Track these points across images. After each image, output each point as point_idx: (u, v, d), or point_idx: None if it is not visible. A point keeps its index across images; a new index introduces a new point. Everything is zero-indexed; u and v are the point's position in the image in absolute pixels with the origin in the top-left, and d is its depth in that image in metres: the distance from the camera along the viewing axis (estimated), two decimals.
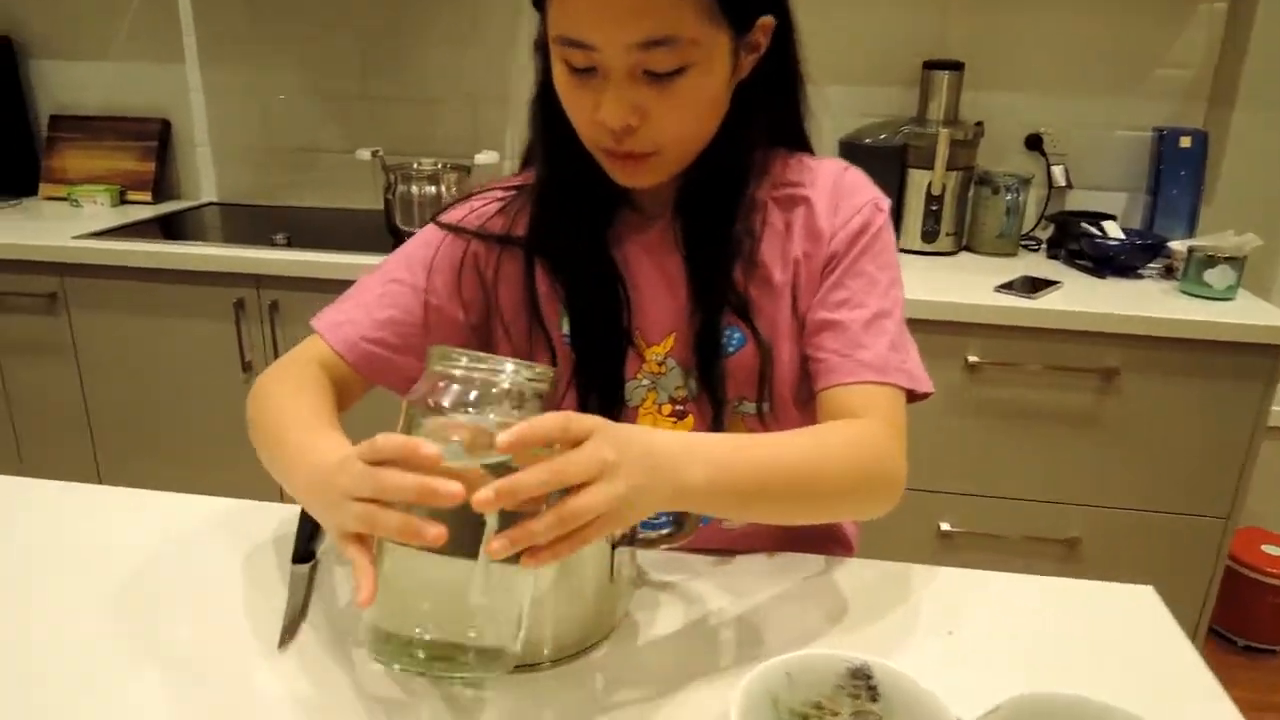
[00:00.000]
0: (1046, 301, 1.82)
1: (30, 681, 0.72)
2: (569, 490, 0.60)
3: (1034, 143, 2.26)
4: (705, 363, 0.91)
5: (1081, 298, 1.86)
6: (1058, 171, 2.24)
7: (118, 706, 0.70)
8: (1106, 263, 2.02)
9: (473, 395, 0.63)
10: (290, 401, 0.85)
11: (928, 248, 2.16)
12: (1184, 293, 1.90)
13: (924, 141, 2.11)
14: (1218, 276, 1.85)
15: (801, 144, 0.95)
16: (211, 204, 2.64)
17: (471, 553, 0.60)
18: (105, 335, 2.17)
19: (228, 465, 2.06)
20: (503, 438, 0.59)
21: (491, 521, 0.60)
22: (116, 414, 2.24)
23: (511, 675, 0.72)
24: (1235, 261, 1.84)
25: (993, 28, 2.21)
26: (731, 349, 0.92)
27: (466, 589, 0.61)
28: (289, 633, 0.77)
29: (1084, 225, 2.08)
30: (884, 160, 2.11)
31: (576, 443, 0.61)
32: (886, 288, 0.90)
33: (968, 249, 2.23)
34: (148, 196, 2.57)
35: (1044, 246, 2.22)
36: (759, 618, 0.81)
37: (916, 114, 2.20)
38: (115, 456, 2.28)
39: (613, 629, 0.79)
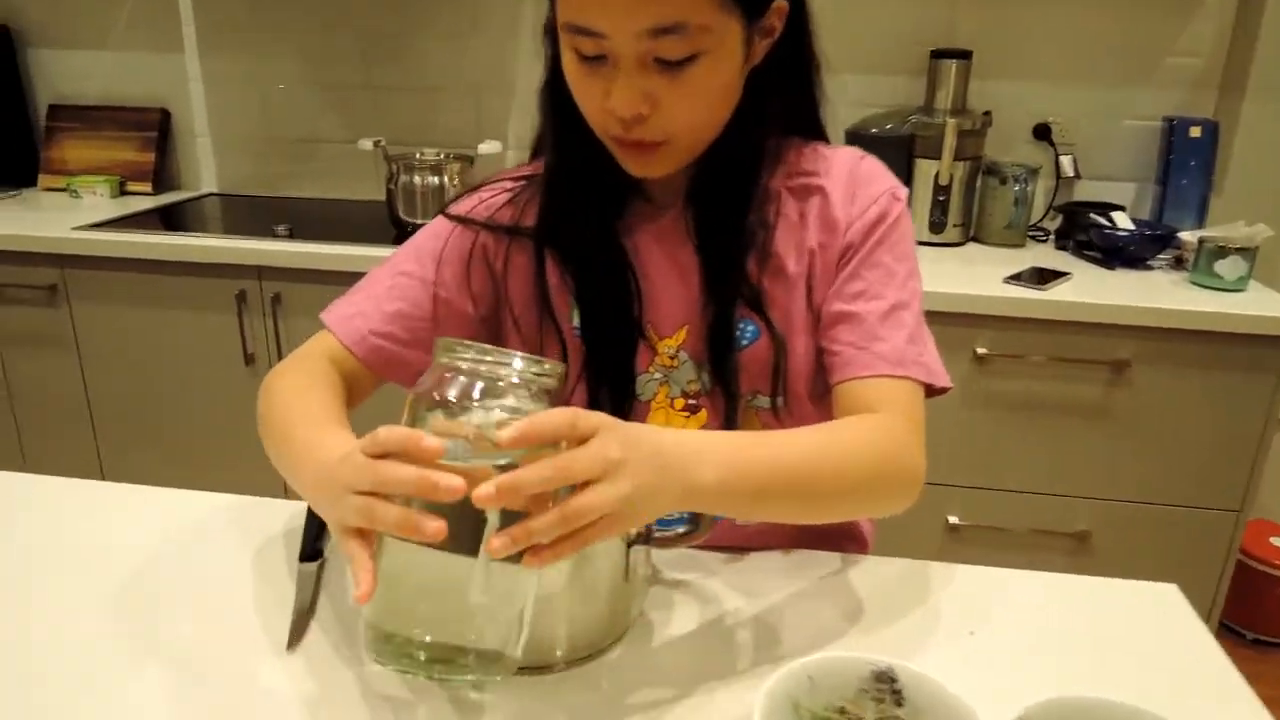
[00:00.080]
0: (1056, 293, 1.80)
1: (30, 681, 0.71)
2: (576, 490, 0.58)
3: (1042, 132, 2.23)
4: (718, 356, 0.89)
5: (1091, 289, 1.84)
6: (1066, 162, 2.22)
7: (118, 707, 0.68)
8: (1116, 254, 2.00)
9: (478, 389, 0.61)
10: (298, 398, 0.84)
11: (935, 238, 2.14)
12: (1194, 284, 1.88)
13: (931, 131, 2.09)
14: (1229, 267, 1.83)
15: (816, 132, 0.93)
16: (212, 195, 2.62)
17: (472, 551, 0.59)
18: (106, 327, 2.15)
19: (231, 458, 2.05)
20: (506, 433, 0.57)
21: (493, 519, 0.58)
22: (118, 407, 2.23)
23: (523, 676, 0.71)
24: (1246, 252, 1.82)
25: (1001, 16, 2.19)
26: (745, 342, 0.90)
27: (466, 589, 0.60)
28: (297, 633, 0.76)
29: (1093, 216, 2.06)
30: (891, 150, 2.08)
31: (583, 440, 0.59)
32: (904, 279, 0.88)
33: (975, 240, 2.21)
34: (148, 187, 2.55)
35: (1052, 237, 2.20)
36: (776, 618, 0.80)
37: (924, 103, 2.18)
38: (117, 449, 2.27)
39: (627, 629, 0.77)
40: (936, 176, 2.09)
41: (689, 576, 0.85)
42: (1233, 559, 1.89)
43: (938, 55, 2.14)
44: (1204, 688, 0.74)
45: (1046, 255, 2.10)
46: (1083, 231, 2.07)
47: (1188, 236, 1.97)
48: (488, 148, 2.23)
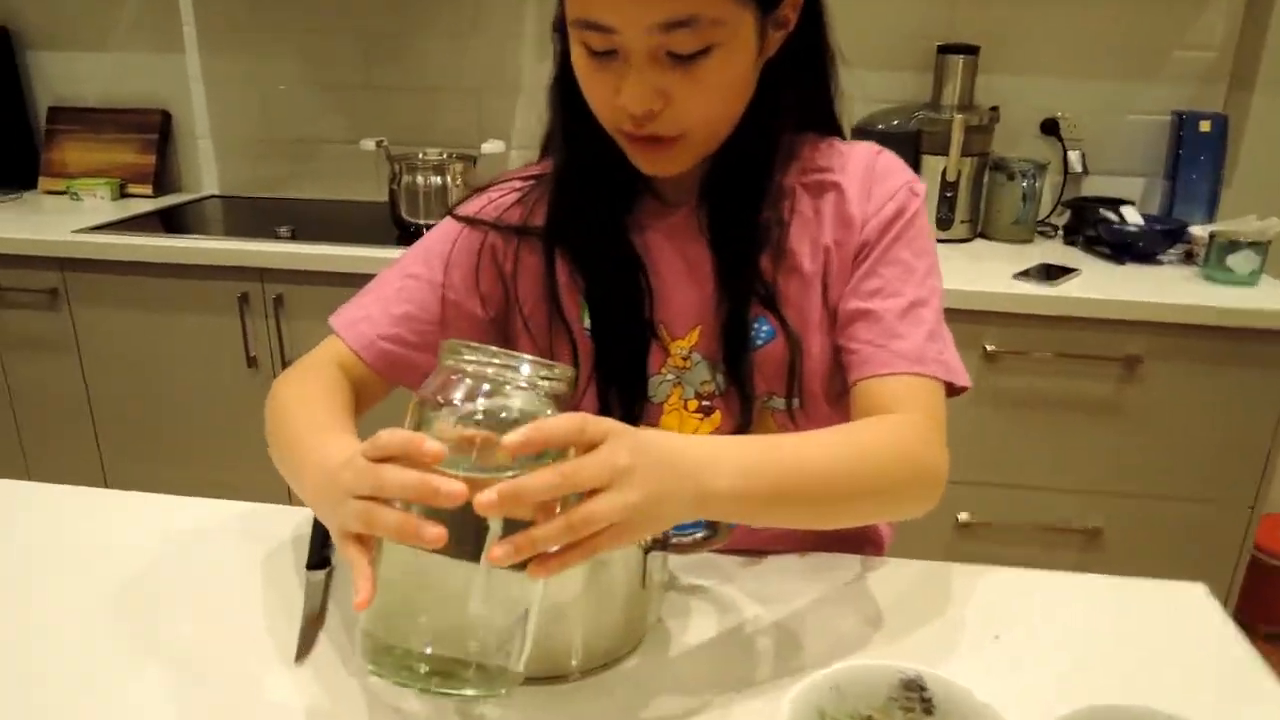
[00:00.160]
0: (1065, 289, 1.78)
1: (31, 685, 0.70)
2: (583, 499, 0.56)
3: (1050, 127, 2.22)
4: (733, 356, 0.88)
5: (1101, 285, 1.83)
6: (1074, 157, 2.21)
7: (119, 710, 0.67)
8: (1125, 249, 1.98)
9: (484, 392, 0.59)
10: (303, 405, 0.82)
11: (942, 235, 2.13)
12: (1206, 278, 1.86)
13: (938, 127, 2.07)
14: (1241, 262, 1.81)
15: (832, 126, 0.91)
16: (213, 196, 2.60)
17: (473, 559, 0.56)
18: (108, 331, 2.14)
19: (234, 461, 2.04)
20: (510, 437, 0.55)
21: (495, 527, 0.56)
22: (121, 411, 2.21)
23: (537, 687, 0.69)
24: (1259, 246, 1.81)
25: (1008, 10, 2.17)
26: (760, 342, 0.88)
27: (466, 599, 0.57)
28: (306, 644, 0.74)
29: (1102, 211, 2.04)
30: (897, 147, 2.00)
31: (591, 447, 0.57)
32: (923, 276, 0.86)
33: (982, 236, 2.19)
34: (148, 189, 2.53)
35: (1060, 233, 2.19)
36: (796, 624, 0.78)
37: (930, 99, 2.16)
38: (120, 454, 2.26)
39: (643, 637, 0.75)
40: (944, 173, 2.07)
41: (705, 581, 0.84)
42: (1246, 554, 1.87)
43: (944, 50, 2.12)
44: (1238, 692, 0.72)
45: (1055, 251, 2.08)
46: (1091, 227, 2.05)
47: (1198, 231, 1.95)
48: (491, 147, 2.22)
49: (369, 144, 2.23)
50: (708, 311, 0.89)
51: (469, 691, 0.59)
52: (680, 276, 0.90)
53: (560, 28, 0.82)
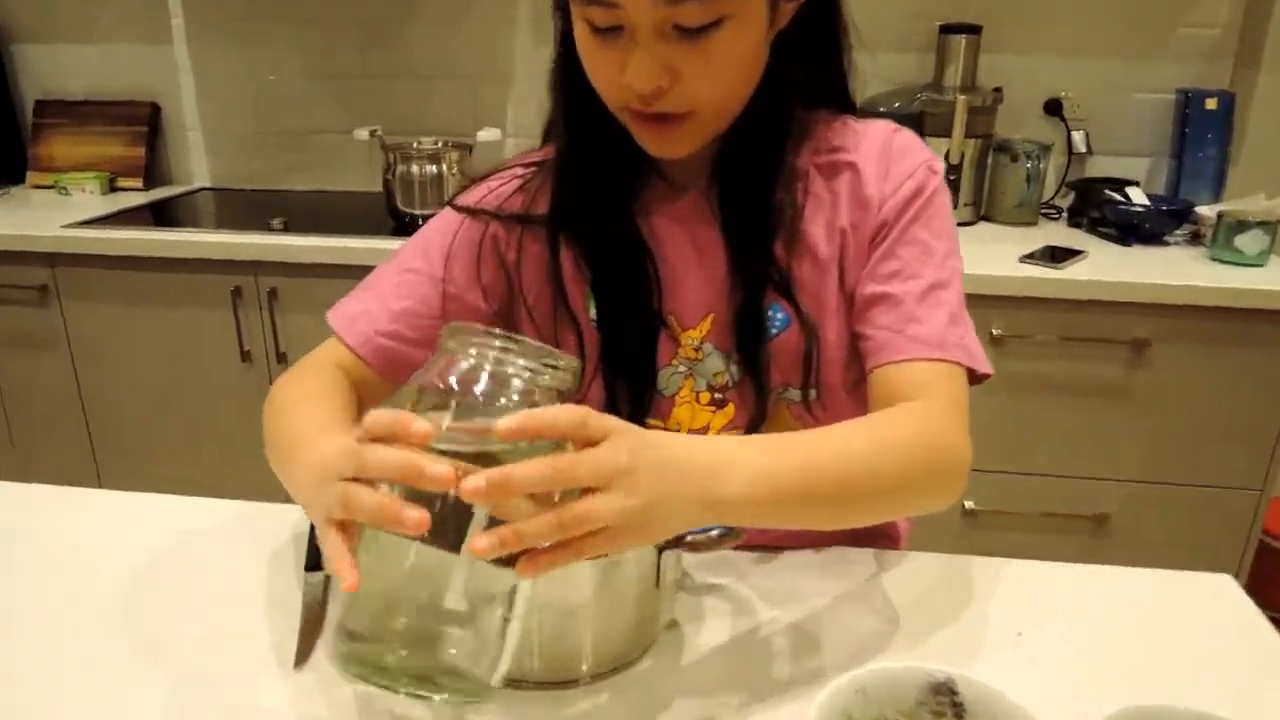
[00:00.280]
0: (1072, 272, 1.76)
1: (31, 690, 0.68)
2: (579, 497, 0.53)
3: (1053, 108, 2.19)
4: (747, 346, 0.84)
5: (1108, 267, 1.80)
6: (1078, 137, 2.18)
7: (120, 713, 0.65)
8: (1131, 230, 1.96)
9: (484, 377, 0.56)
10: (300, 407, 0.79)
11: None
12: (1214, 259, 1.83)
13: (941, 109, 2.04)
14: (1249, 242, 1.79)
15: (845, 104, 0.88)
16: (204, 189, 2.56)
17: (455, 551, 0.52)
18: (99, 327, 2.11)
19: (228, 457, 2.02)
20: (504, 422, 0.52)
21: (480, 517, 0.53)
22: (113, 407, 2.19)
23: (545, 692, 0.67)
24: (1268, 226, 1.78)
25: None
26: (774, 330, 0.85)
27: (443, 594, 0.54)
28: (304, 650, 0.71)
29: (1107, 192, 2.01)
30: None
31: (592, 444, 0.54)
32: (943, 257, 0.82)
33: (986, 219, 2.17)
34: (138, 183, 2.50)
35: (1065, 215, 2.16)
36: (814, 624, 0.75)
37: (932, 80, 2.13)
38: (113, 450, 2.23)
39: (655, 639, 0.73)
40: (947, 155, 2.04)
41: (718, 579, 0.81)
42: (1255, 538, 1.86)
43: (946, 30, 2.09)
44: (1276, 685, 0.69)
45: (1060, 233, 2.05)
46: (1096, 208, 2.02)
47: (1205, 211, 1.92)
48: (486, 135, 2.18)
49: (362, 133, 2.20)
50: (720, 299, 0.85)
51: (442, 696, 0.55)
52: (690, 263, 0.86)
53: (561, 6, 0.79)
